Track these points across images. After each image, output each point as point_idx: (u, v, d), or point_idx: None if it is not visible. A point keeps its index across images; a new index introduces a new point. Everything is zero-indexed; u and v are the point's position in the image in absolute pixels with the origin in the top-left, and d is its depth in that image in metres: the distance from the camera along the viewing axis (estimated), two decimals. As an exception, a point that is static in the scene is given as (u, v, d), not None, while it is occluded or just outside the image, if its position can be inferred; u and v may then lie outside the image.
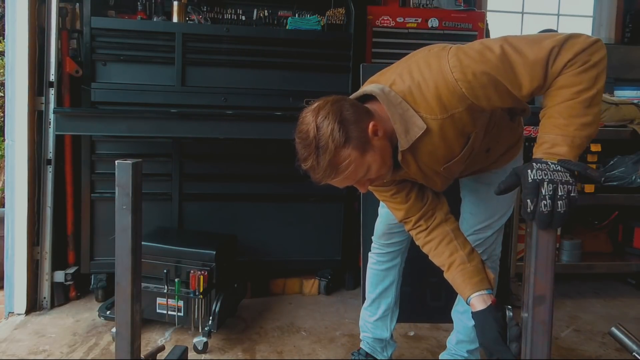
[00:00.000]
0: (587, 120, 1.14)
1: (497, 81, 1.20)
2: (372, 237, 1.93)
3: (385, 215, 1.84)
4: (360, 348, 1.96)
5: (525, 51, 1.17)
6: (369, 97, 1.32)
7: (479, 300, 1.36)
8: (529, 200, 1.04)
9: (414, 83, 1.26)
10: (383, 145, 1.27)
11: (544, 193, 1.03)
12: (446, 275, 1.48)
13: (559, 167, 1.07)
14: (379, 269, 1.91)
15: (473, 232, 1.72)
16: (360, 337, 1.98)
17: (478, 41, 1.26)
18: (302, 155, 1.23)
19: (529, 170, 1.06)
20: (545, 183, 1.04)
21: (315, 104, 1.26)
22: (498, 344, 1.26)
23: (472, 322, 1.73)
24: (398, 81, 1.29)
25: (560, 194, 1.03)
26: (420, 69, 1.27)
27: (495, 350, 1.26)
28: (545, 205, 1.03)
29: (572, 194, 1.04)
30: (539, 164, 1.07)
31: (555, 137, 1.13)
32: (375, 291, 1.92)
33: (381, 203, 1.84)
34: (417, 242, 1.57)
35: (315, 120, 1.21)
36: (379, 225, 1.89)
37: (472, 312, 1.38)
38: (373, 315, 1.93)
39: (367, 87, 1.34)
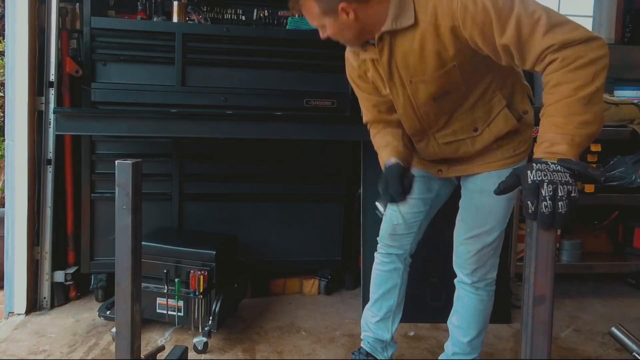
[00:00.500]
0: (586, 118, 1.12)
1: (488, 18, 1.23)
2: (378, 238, 1.93)
3: (390, 216, 1.84)
4: (361, 347, 1.96)
5: (530, 7, 1.20)
6: None
7: (395, 161, 1.55)
8: (529, 202, 1.03)
9: None
10: (348, 25, 1.40)
11: (544, 194, 1.03)
12: (380, 153, 1.64)
13: (559, 167, 1.06)
14: (383, 269, 1.91)
15: (463, 241, 1.72)
16: (362, 336, 1.98)
17: None
18: None
19: (529, 171, 1.05)
20: (545, 184, 1.03)
21: None
22: (394, 182, 1.48)
23: (466, 339, 1.79)
24: None
25: (560, 194, 1.03)
26: None
27: (389, 184, 1.48)
28: (545, 207, 1.02)
29: (572, 194, 1.03)
30: (538, 165, 1.06)
31: (554, 136, 1.13)
32: (378, 292, 1.92)
33: (387, 205, 1.84)
34: (371, 132, 1.74)
35: None
36: (383, 226, 1.89)
37: (385, 166, 1.55)
38: (375, 316, 1.93)
39: None
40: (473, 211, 1.69)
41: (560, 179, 1.04)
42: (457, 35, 1.31)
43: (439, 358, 1.90)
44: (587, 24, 3.98)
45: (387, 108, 1.63)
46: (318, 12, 1.41)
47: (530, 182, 1.04)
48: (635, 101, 2.84)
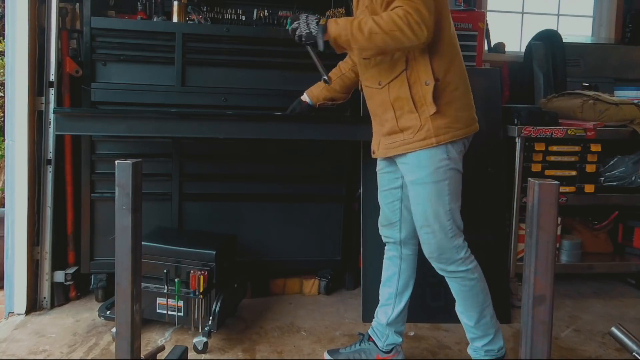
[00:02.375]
0: (353, 32, 1.60)
1: None
2: None
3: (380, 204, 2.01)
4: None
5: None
6: None
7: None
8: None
9: None
10: None
11: (298, 22, 1.72)
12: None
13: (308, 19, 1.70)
14: (385, 257, 2.05)
15: (420, 236, 1.82)
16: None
17: None
18: None
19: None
20: (301, 18, 1.73)
21: None
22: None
23: (472, 322, 1.85)
24: None
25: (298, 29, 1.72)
26: None
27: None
28: (292, 30, 1.75)
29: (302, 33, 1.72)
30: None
31: (338, 21, 1.66)
32: (383, 278, 2.05)
33: (378, 194, 2.00)
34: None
35: None
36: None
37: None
38: (379, 302, 2.05)
39: None
40: (413, 203, 1.78)
41: (310, 23, 1.71)
42: None
43: (467, 350, 1.94)
44: (587, 24, 3.99)
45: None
46: None
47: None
48: (635, 101, 2.84)
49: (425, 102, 1.67)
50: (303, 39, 1.71)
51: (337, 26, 1.64)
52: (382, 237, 2.03)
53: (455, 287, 1.84)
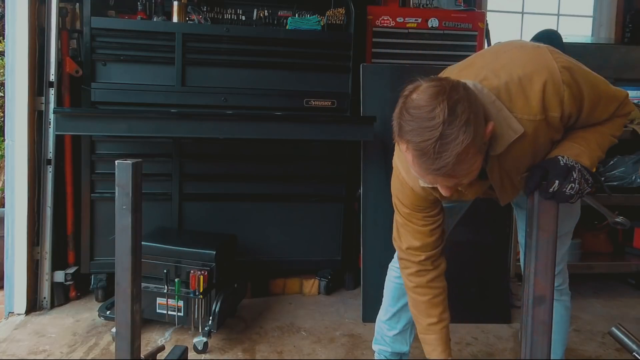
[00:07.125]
0: (601, 155, 1.29)
1: (582, 101, 1.21)
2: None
3: None
4: None
5: (610, 88, 1.28)
6: None
7: None
8: (557, 181, 1.11)
9: (512, 79, 1.16)
10: (484, 147, 1.13)
11: (574, 176, 1.15)
12: (431, 328, 1.53)
13: (582, 167, 1.19)
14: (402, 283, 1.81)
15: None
16: (375, 349, 1.91)
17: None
18: (415, 134, 1.01)
19: (560, 157, 1.17)
20: (577, 170, 1.16)
21: (441, 81, 1.05)
22: None
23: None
24: (491, 77, 1.17)
25: (582, 187, 1.17)
26: (523, 64, 1.17)
27: None
28: (572, 188, 1.14)
29: (584, 193, 1.21)
30: (567, 159, 1.18)
31: (583, 151, 1.24)
32: (397, 305, 1.81)
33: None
34: (408, 278, 1.53)
35: (446, 101, 1.00)
36: None
37: None
38: (392, 330, 1.83)
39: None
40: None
41: (585, 175, 1.19)
42: (563, 119, 1.22)
43: None
44: (587, 24, 3.98)
45: (443, 229, 1.48)
46: (474, 152, 1.05)
47: (562, 164, 1.16)
48: (636, 101, 2.83)
49: None
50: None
51: (592, 163, 1.24)
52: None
53: (556, 313, 1.47)
